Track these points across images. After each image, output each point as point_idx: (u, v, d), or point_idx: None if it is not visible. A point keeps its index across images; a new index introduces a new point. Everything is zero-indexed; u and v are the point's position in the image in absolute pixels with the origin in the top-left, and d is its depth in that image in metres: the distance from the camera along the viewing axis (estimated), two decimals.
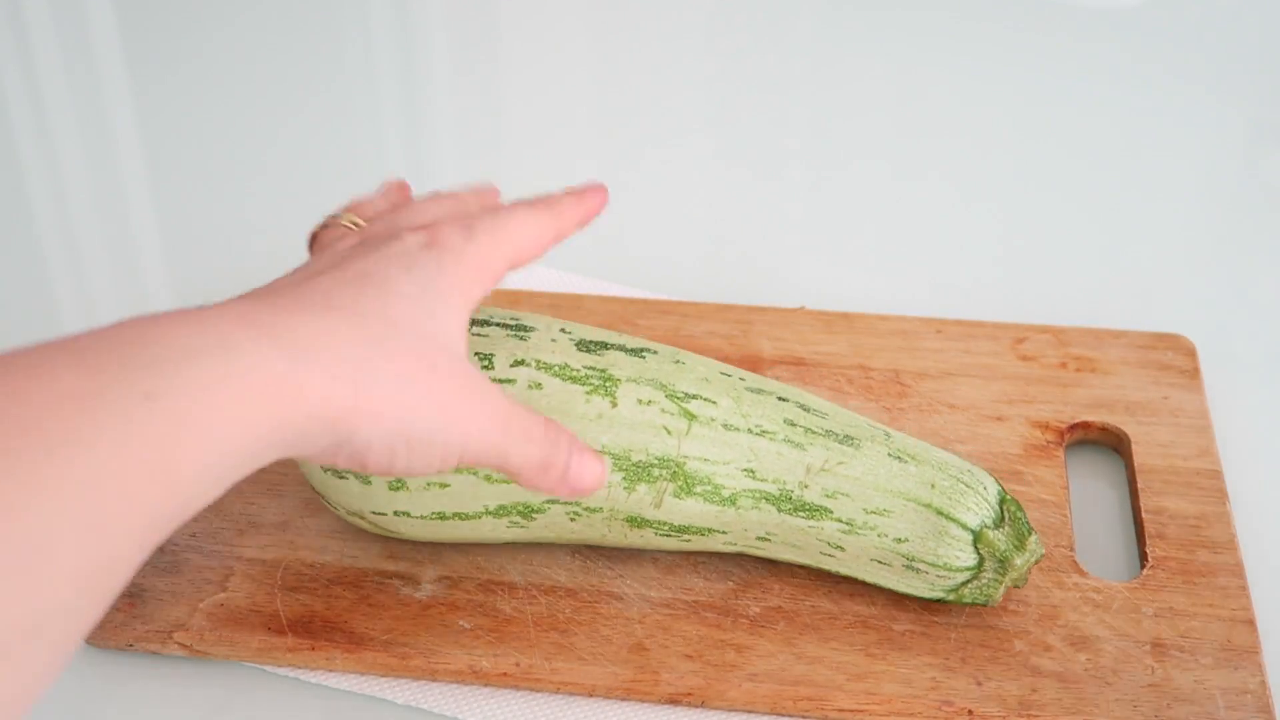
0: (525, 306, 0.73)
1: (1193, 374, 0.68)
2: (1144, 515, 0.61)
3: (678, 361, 0.57)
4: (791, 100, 0.98)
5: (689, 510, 0.56)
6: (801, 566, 0.59)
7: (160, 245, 0.84)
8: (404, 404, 0.44)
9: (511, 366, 0.56)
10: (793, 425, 0.56)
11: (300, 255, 0.78)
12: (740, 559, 0.60)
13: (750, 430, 0.56)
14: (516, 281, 0.75)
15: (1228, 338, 0.74)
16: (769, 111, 0.96)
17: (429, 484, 0.55)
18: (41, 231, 0.85)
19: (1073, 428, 0.66)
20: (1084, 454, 0.66)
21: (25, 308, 0.78)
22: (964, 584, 0.56)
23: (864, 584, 0.58)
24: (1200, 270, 0.82)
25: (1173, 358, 0.70)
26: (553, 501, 0.56)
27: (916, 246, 0.83)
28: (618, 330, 0.69)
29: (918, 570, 0.56)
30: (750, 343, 0.71)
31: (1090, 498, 0.64)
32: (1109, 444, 0.66)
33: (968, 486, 0.56)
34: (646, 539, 0.58)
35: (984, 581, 0.56)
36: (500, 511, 0.56)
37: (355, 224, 0.53)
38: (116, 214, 0.86)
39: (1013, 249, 0.83)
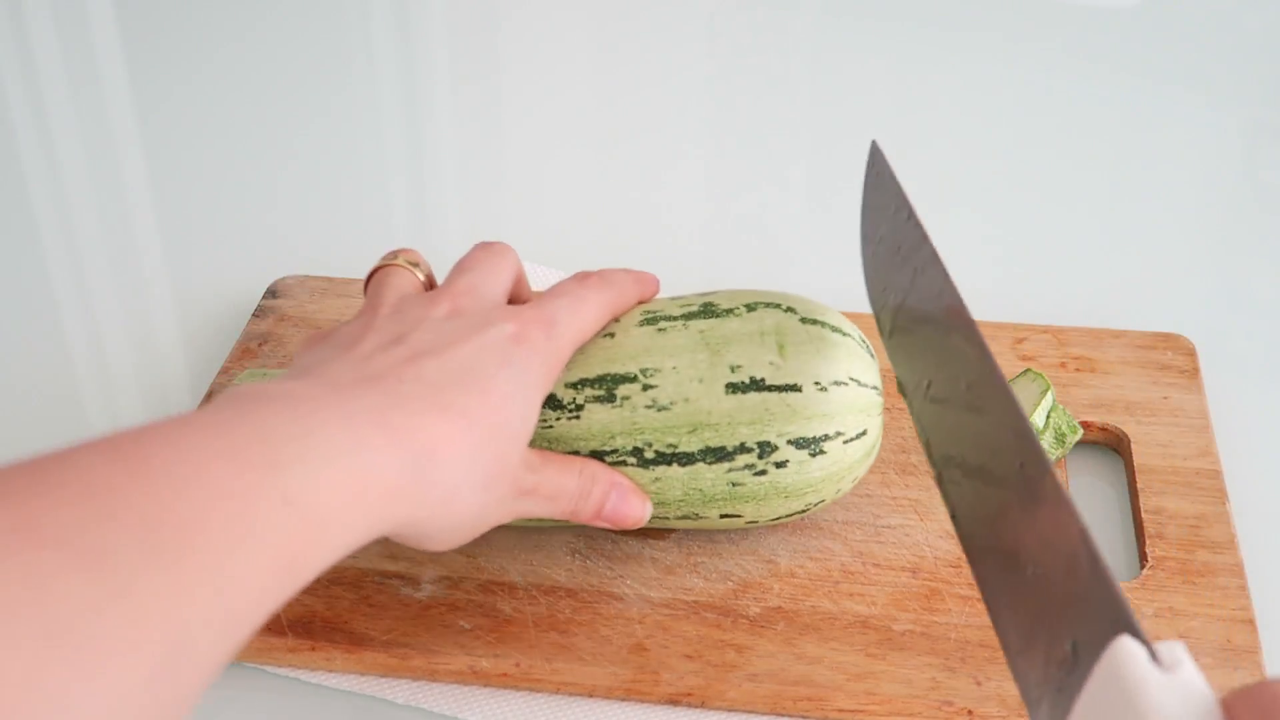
0: None
1: (1192, 374, 0.68)
2: (1144, 515, 0.61)
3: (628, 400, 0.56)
4: (791, 101, 0.98)
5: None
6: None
7: (162, 250, 0.84)
8: (477, 510, 0.49)
9: None
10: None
11: (300, 263, 0.78)
12: (740, 559, 0.60)
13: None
14: None
15: (1228, 338, 0.74)
16: (769, 112, 0.96)
17: None
18: (45, 238, 0.85)
19: None
20: (1084, 454, 0.66)
21: (28, 311, 0.78)
22: None
23: (863, 588, 0.58)
24: (1200, 270, 0.82)
25: (1172, 358, 0.69)
26: None
27: None
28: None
29: None
30: None
31: (1090, 498, 0.64)
32: (1109, 444, 0.66)
33: None
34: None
35: None
36: None
37: (413, 265, 0.56)
38: (121, 221, 0.86)
39: (1012, 249, 0.83)
